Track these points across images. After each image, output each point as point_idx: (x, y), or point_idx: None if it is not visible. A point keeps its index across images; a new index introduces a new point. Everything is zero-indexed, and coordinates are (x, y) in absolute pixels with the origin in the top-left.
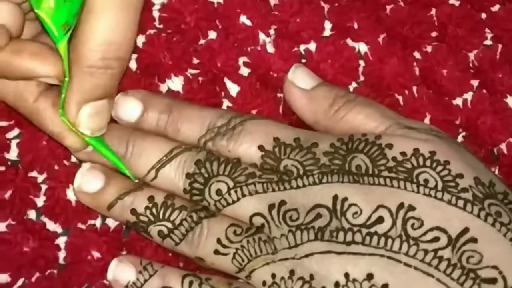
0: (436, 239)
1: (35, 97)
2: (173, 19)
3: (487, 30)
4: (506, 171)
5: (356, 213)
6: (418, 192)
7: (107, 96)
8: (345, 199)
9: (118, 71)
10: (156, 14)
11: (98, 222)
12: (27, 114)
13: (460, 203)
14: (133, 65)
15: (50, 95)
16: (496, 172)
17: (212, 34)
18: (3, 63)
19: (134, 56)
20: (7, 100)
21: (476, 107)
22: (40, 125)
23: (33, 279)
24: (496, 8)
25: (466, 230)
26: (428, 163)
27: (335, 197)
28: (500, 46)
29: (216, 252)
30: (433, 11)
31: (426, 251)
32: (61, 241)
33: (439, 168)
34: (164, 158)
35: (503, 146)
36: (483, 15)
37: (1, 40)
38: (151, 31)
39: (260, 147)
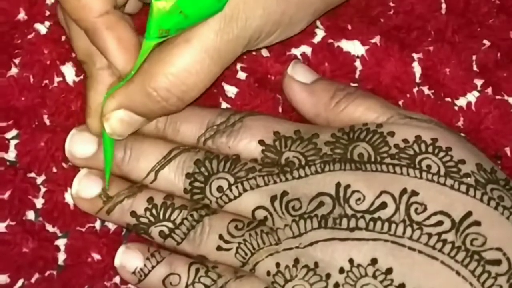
0: (439, 223)
1: (99, 65)
2: None
3: (485, 41)
4: (509, 174)
5: (359, 199)
6: (421, 177)
7: (146, 117)
8: (348, 186)
9: (172, 109)
10: None
11: (97, 224)
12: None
13: (463, 187)
14: None
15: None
16: None
17: None
18: (93, 29)
19: None
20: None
21: (479, 111)
22: (87, 90)
23: (32, 280)
24: (490, 21)
25: (469, 213)
26: (430, 149)
27: (338, 185)
28: (498, 54)
29: (219, 248)
30: (428, 21)
31: (430, 235)
32: (61, 242)
33: (441, 154)
34: (163, 160)
35: (506, 150)
36: (479, 29)
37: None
38: None
39: (261, 142)
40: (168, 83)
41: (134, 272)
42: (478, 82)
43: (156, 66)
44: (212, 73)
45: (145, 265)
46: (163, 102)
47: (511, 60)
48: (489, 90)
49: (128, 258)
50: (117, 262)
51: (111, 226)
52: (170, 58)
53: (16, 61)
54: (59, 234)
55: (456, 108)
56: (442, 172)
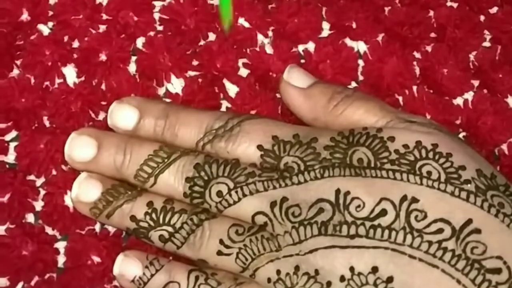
0: (440, 231)
1: None
2: (173, 21)
3: (486, 32)
4: (507, 172)
5: (359, 206)
6: (421, 184)
7: None
8: (348, 192)
9: None
10: (156, 16)
11: (97, 227)
12: None
13: (463, 194)
14: (132, 67)
15: None
16: None
17: (212, 36)
18: None
19: (134, 58)
20: None
21: (476, 108)
22: None
23: (32, 283)
24: (494, 10)
25: (469, 221)
26: (430, 155)
27: (338, 191)
28: (499, 47)
29: (219, 253)
30: (431, 13)
31: (430, 243)
32: (61, 245)
33: (442, 160)
34: (162, 163)
35: (504, 147)
36: (482, 17)
37: None
38: (151, 33)
39: (259, 147)
40: None
41: (133, 281)
42: (475, 83)
43: None
44: None
45: (144, 274)
46: None
47: (509, 59)
48: (485, 91)
49: (127, 267)
50: (115, 270)
51: (111, 229)
52: None
53: (18, 62)
54: (59, 237)
55: (454, 104)
56: (443, 178)
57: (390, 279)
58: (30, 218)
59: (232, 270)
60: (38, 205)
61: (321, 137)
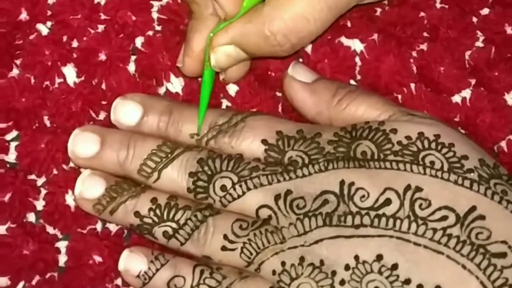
0: (444, 218)
1: (211, 11)
2: (172, 21)
3: (478, 32)
4: (507, 169)
5: (363, 196)
6: (424, 173)
7: (251, 56)
8: (352, 183)
9: (282, 54)
10: (155, 15)
11: (99, 226)
12: (192, 14)
13: (467, 183)
14: (131, 67)
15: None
16: None
17: None
18: None
19: (133, 57)
20: None
21: (474, 105)
22: (189, 31)
23: (33, 282)
24: (486, 11)
25: (473, 208)
26: (433, 145)
27: (342, 182)
28: (493, 47)
29: (224, 248)
30: (423, 14)
31: (435, 230)
32: (62, 244)
33: (444, 150)
34: (166, 158)
35: (503, 144)
36: (474, 19)
37: None
38: (150, 32)
39: (264, 141)
40: (286, 29)
41: (138, 276)
42: (471, 82)
43: (276, 11)
44: (327, 22)
45: (149, 268)
46: (277, 46)
47: (504, 58)
48: (482, 89)
49: (132, 262)
50: (121, 266)
51: (113, 228)
52: (290, 4)
53: (18, 62)
54: (60, 236)
55: (452, 101)
56: (446, 167)
57: (394, 267)
58: (31, 217)
59: (237, 265)
60: (39, 204)
61: (324, 133)
